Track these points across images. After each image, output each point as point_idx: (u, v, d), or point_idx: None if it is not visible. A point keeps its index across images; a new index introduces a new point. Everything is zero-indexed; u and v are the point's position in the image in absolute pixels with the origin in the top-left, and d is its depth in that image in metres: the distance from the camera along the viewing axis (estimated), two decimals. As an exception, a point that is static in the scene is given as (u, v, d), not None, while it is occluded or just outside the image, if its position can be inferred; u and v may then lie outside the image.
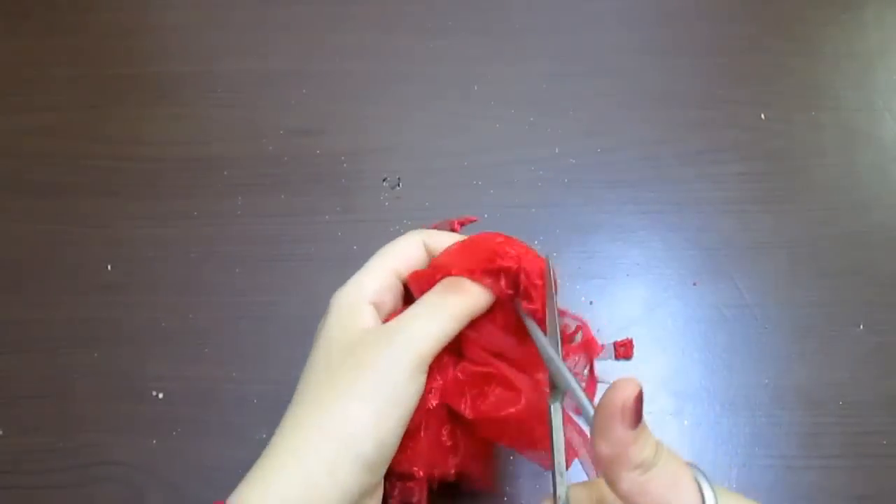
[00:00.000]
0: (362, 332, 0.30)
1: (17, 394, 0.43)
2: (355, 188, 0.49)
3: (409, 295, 0.33)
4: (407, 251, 0.33)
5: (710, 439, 0.41)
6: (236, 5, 0.57)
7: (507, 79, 0.53)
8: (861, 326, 0.44)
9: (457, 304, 0.30)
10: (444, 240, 0.33)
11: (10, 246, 0.48)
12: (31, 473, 0.41)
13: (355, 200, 0.48)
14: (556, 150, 0.50)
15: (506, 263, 0.30)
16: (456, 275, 0.30)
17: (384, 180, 0.49)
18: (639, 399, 0.21)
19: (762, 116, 0.51)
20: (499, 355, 0.32)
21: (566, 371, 0.27)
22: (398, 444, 0.29)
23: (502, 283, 0.31)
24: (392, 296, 0.32)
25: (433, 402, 0.30)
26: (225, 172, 0.50)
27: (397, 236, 0.47)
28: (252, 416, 0.42)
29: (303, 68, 0.54)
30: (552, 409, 0.27)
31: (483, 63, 0.54)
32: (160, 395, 0.42)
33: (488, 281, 0.30)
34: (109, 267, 0.47)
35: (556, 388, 0.28)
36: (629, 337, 0.43)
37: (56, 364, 0.44)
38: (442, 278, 0.31)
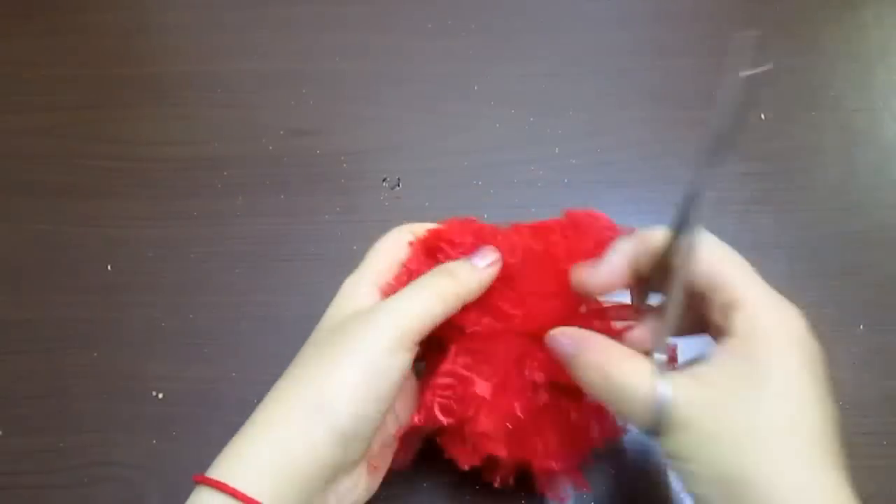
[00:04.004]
0: (355, 311, 0.30)
1: (16, 394, 0.43)
2: (355, 188, 0.49)
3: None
4: (398, 241, 0.34)
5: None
6: (236, 5, 0.57)
7: (507, 79, 0.53)
8: (861, 327, 0.44)
9: (446, 286, 0.30)
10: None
11: (9, 246, 0.48)
12: (30, 473, 0.41)
13: (355, 200, 0.48)
14: (556, 150, 0.50)
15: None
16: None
17: (384, 180, 0.49)
18: None
19: (762, 116, 0.51)
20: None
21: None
22: (378, 420, 0.28)
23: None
24: (394, 283, 0.33)
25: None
26: (225, 172, 0.50)
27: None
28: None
29: (303, 68, 0.54)
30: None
31: (483, 63, 0.54)
32: (160, 396, 0.42)
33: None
34: (109, 267, 0.47)
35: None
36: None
37: (56, 364, 0.44)
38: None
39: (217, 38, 0.56)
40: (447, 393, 0.31)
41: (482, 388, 0.30)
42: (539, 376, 0.31)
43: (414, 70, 0.54)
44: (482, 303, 0.31)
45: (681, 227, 0.26)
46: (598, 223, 0.33)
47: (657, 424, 0.24)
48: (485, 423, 0.30)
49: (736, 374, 0.24)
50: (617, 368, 0.26)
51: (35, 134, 0.52)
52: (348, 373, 0.28)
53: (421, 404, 0.31)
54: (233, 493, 0.25)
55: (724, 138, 0.26)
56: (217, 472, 0.27)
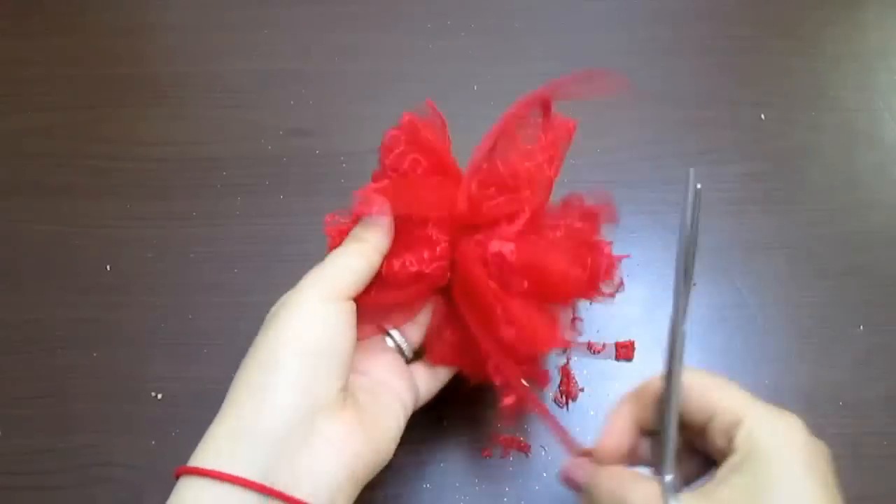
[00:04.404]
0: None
1: (16, 394, 0.43)
2: (355, 188, 0.49)
3: None
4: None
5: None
6: (236, 5, 0.57)
7: (507, 79, 0.53)
8: (861, 327, 0.44)
9: (359, 244, 0.32)
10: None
11: (10, 246, 0.48)
12: (30, 474, 0.41)
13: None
14: (556, 151, 0.50)
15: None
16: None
17: (384, 180, 0.49)
18: None
19: (762, 116, 0.51)
20: None
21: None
22: (336, 363, 0.29)
23: None
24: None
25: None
26: (225, 172, 0.50)
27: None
28: (252, 416, 0.41)
29: (303, 68, 0.54)
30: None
31: (483, 63, 0.54)
32: (159, 396, 0.42)
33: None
34: (109, 267, 0.47)
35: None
36: (631, 339, 0.43)
37: (56, 364, 0.44)
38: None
39: (217, 38, 0.56)
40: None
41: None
42: (494, 245, 0.32)
43: (414, 70, 0.54)
44: (400, 246, 0.33)
45: (670, 356, 0.27)
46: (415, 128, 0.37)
47: None
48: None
49: (743, 489, 0.24)
50: (631, 492, 0.26)
51: (35, 134, 0.52)
52: (287, 330, 0.29)
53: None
54: (207, 473, 0.26)
55: (689, 261, 0.28)
56: (193, 459, 0.28)
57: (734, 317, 0.44)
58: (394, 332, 0.35)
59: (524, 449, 0.40)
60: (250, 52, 0.55)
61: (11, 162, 0.51)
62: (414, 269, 0.32)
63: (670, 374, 0.27)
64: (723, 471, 0.25)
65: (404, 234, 0.33)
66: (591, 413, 0.42)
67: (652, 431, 0.30)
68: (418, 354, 0.36)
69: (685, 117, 0.51)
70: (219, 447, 0.28)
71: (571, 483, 0.30)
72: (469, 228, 0.34)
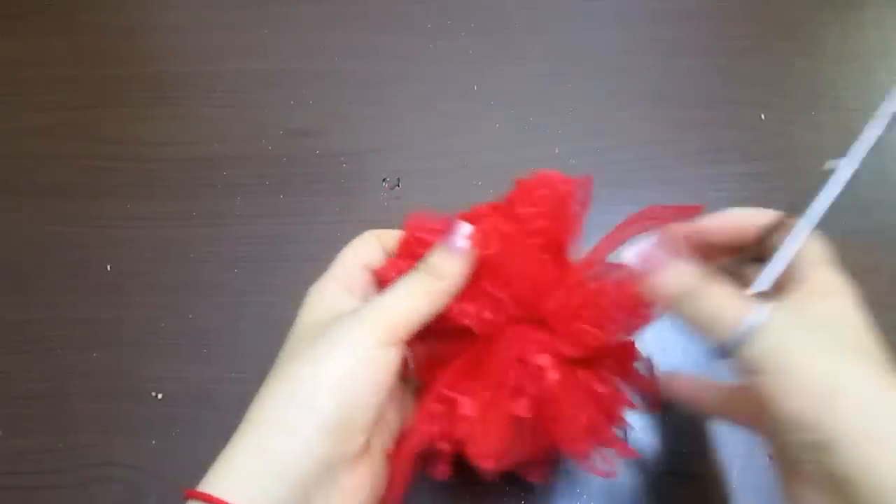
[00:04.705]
0: (330, 314, 0.30)
1: (16, 394, 0.43)
2: (355, 188, 0.49)
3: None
4: (366, 248, 0.34)
5: (711, 440, 0.41)
6: (236, 5, 0.57)
7: (507, 79, 0.53)
8: (861, 327, 0.44)
9: (428, 280, 0.30)
10: (392, 237, 0.34)
11: (10, 246, 0.48)
12: (30, 474, 0.41)
13: (355, 201, 0.48)
14: (556, 150, 0.50)
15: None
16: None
17: (384, 180, 0.49)
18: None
19: (762, 116, 0.51)
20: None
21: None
22: (369, 410, 0.28)
23: None
24: (362, 285, 0.33)
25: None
26: (225, 172, 0.50)
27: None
28: (252, 416, 0.42)
29: (303, 68, 0.54)
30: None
31: (483, 63, 0.54)
32: (159, 396, 0.42)
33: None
34: (109, 267, 0.47)
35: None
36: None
37: (56, 364, 0.44)
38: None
39: (217, 38, 0.56)
40: (435, 418, 0.30)
41: (467, 406, 0.29)
42: (544, 359, 0.30)
43: (414, 70, 0.54)
44: (469, 294, 0.30)
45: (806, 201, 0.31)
46: (554, 184, 0.33)
47: (743, 335, 0.27)
48: (478, 444, 0.29)
49: (819, 308, 0.28)
50: (712, 286, 0.29)
51: (35, 134, 0.52)
52: (330, 367, 0.27)
53: (414, 430, 0.30)
54: (218, 503, 0.25)
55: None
56: (206, 484, 0.26)
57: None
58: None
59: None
60: (250, 52, 0.55)
61: (11, 162, 0.51)
62: (466, 321, 0.30)
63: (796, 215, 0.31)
64: (800, 293, 0.29)
65: (472, 281, 0.30)
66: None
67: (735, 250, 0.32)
68: None
69: (685, 117, 0.51)
70: (235, 476, 0.26)
71: (635, 265, 0.30)
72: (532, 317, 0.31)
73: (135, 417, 0.42)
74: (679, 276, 0.29)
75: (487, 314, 0.30)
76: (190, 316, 0.45)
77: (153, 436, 0.41)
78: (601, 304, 0.31)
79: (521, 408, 0.30)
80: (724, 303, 0.28)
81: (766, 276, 0.30)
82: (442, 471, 0.32)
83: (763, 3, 0.56)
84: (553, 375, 0.30)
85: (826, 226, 0.32)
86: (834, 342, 0.27)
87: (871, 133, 0.31)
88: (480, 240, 0.30)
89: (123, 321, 0.45)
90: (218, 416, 0.42)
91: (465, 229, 0.30)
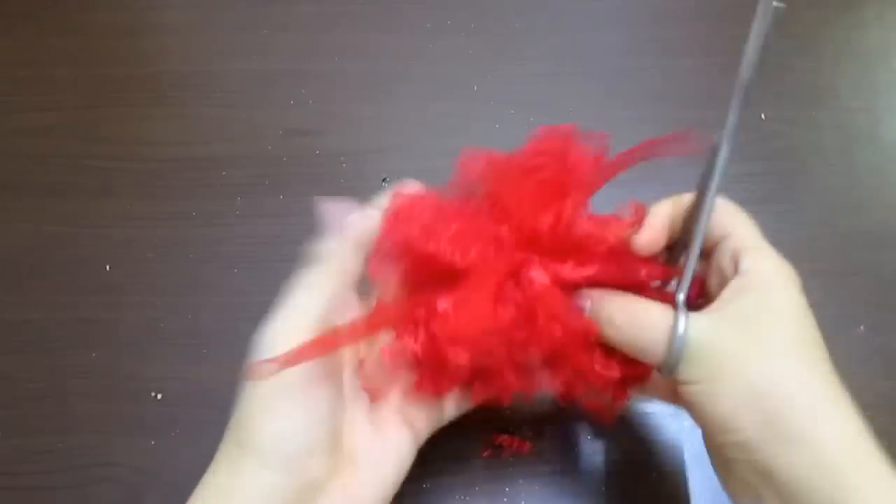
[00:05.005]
0: None
1: (16, 394, 0.43)
2: (355, 188, 0.49)
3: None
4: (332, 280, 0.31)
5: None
6: (237, 5, 0.57)
7: (507, 79, 0.53)
8: (862, 327, 0.44)
9: (321, 271, 0.31)
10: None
11: (10, 246, 0.48)
12: (30, 474, 0.41)
13: (355, 201, 0.48)
14: (556, 151, 0.50)
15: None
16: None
17: (384, 180, 0.49)
18: None
19: (762, 116, 0.51)
20: None
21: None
22: (309, 432, 0.28)
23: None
24: (339, 311, 0.31)
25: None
26: (224, 172, 0.50)
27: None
28: (252, 416, 0.41)
29: (303, 68, 0.54)
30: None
31: (483, 63, 0.54)
32: (159, 396, 0.42)
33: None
34: (109, 267, 0.47)
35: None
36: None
37: (55, 364, 0.44)
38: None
39: (217, 38, 0.56)
40: (415, 325, 0.30)
41: (445, 302, 0.29)
42: (539, 274, 0.30)
43: (414, 70, 0.54)
44: (467, 236, 0.30)
45: (705, 180, 0.29)
46: (559, 132, 0.34)
47: (675, 352, 0.27)
48: (451, 325, 0.29)
49: (749, 310, 0.27)
50: (636, 304, 0.29)
51: (35, 134, 0.52)
52: (252, 400, 0.28)
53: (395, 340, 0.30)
54: None
55: (748, 84, 0.29)
56: None
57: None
58: None
59: (524, 449, 0.40)
60: (250, 52, 0.55)
61: (12, 162, 0.51)
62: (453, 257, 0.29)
63: (702, 194, 0.29)
64: (728, 292, 0.28)
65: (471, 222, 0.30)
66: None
67: (669, 246, 0.31)
68: None
69: (685, 117, 0.51)
70: None
71: (579, 304, 0.30)
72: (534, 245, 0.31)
73: (135, 417, 0.42)
74: (614, 300, 0.29)
75: (489, 252, 0.30)
76: (190, 316, 0.45)
77: (153, 436, 0.41)
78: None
79: (505, 312, 0.29)
80: (656, 314, 0.28)
81: (686, 277, 0.29)
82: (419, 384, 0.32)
83: (763, 3, 0.56)
84: (542, 280, 0.30)
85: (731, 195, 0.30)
86: (765, 340, 0.26)
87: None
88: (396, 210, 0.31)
89: (123, 321, 0.45)
90: (218, 416, 0.41)
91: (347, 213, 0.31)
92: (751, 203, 0.48)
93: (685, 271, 0.29)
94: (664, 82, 0.52)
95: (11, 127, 0.52)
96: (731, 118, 0.28)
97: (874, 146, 0.50)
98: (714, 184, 0.29)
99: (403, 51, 0.54)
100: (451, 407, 0.34)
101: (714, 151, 0.29)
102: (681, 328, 0.27)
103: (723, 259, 0.30)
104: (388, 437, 0.31)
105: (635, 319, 0.29)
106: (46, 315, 0.45)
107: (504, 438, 0.40)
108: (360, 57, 0.54)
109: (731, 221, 0.30)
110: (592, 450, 0.41)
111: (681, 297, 0.29)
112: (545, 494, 0.39)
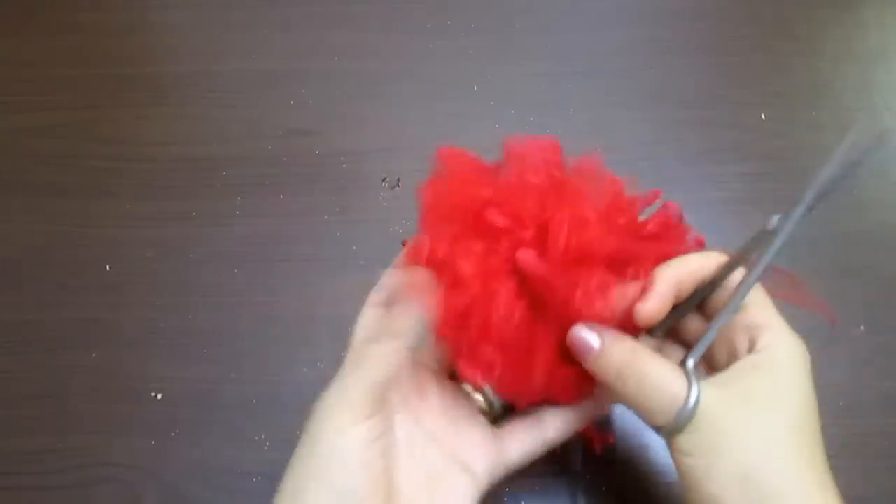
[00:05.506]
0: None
1: (16, 394, 0.43)
2: (355, 188, 0.49)
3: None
4: (386, 360, 0.29)
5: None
6: (236, 5, 0.57)
7: (507, 79, 0.53)
8: (861, 327, 0.44)
9: (392, 344, 0.29)
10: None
11: (10, 246, 0.48)
12: (30, 474, 0.41)
13: (355, 200, 0.48)
14: (556, 151, 0.50)
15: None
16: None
17: (384, 180, 0.49)
18: None
19: (762, 116, 0.51)
20: None
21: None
22: (373, 484, 0.27)
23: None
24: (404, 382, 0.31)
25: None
26: (224, 172, 0.50)
27: (396, 237, 0.47)
28: (252, 416, 0.42)
29: (303, 68, 0.54)
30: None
31: (483, 63, 0.54)
32: (159, 396, 0.42)
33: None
34: (109, 267, 0.47)
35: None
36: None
37: (55, 364, 0.44)
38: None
39: (217, 38, 0.56)
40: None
41: (466, 266, 0.28)
42: (525, 253, 0.29)
43: (414, 70, 0.54)
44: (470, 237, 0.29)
45: (745, 257, 0.29)
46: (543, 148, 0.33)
47: (680, 422, 0.26)
48: (479, 316, 0.28)
49: (758, 385, 0.27)
50: (648, 366, 0.28)
51: (35, 134, 0.52)
52: (313, 458, 0.27)
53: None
54: None
55: (825, 189, 0.29)
56: None
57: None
58: (486, 388, 0.32)
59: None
60: (250, 52, 0.55)
61: (11, 162, 0.51)
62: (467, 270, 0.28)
63: (743, 282, 0.29)
64: (742, 365, 0.28)
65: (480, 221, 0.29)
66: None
67: (675, 305, 0.30)
68: (507, 410, 0.33)
69: (685, 117, 0.51)
70: None
71: (580, 344, 0.29)
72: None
73: (135, 417, 0.42)
74: (616, 351, 0.28)
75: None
76: (190, 316, 0.45)
77: (153, 436, 0.41)
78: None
79: (525, 258, 0.28)
80: (662, 378, 0.27)
81: (702, 347, 0.28)
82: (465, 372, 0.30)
83: (763, 3, 0.56)
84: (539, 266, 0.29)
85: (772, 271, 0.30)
86: (766, 426, 0.26)
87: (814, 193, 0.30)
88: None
89: (123, 321, 0.45)
90: (217, 416, 0.42)
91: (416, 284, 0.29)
92: (751, 203, 0.48)
93: (702, 341, 0.28)
94: (664, 82, 0.52)
95: (11, 127, 0.52)
96: (798, 212, 0.29)
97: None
98: (757, 274, 0.29)
99: (403, 51, 0.54)
100: (517, 443, 0.32)
101: (765, 238, 0.29)
102: (692, 400, 0.26)
103: (736, 332, 0.29)
104: (445, 487, 0.30)
105: (646, 381, 0.27)
106: (46, 315, 0.45)
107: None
108: (360, 57, 0.54)
109: (749, 295, 0.29)
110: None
111: (691, 363, 0.28)
112: (545, 494, 0.39)
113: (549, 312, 0.29)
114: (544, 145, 0.34)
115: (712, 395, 0.26)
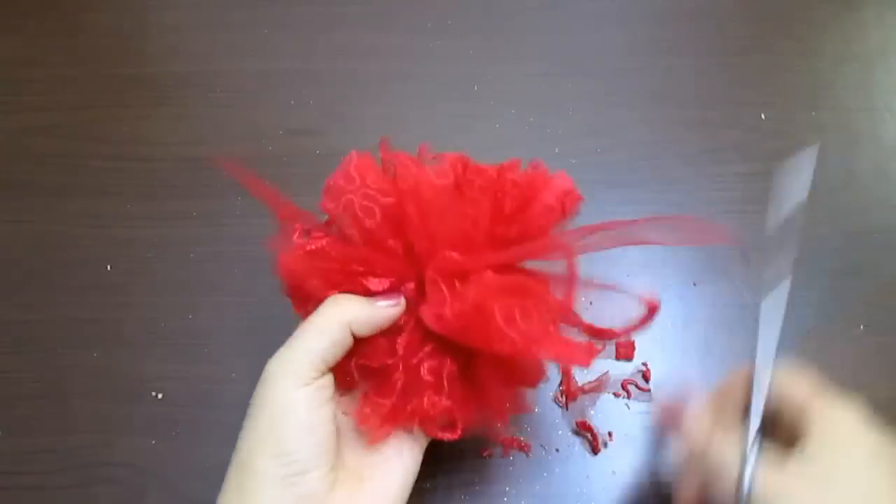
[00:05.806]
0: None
1: (16, 394, 0.43)
2: (355, 188, 0.49)
3: None
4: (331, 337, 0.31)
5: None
6: (236, 5, 0.57)
7: (507, 79, 0.53)
8: (861, 327, 0.44)
9: (333, 315, 0.31)
10: (365, 315, 0.32)
11: (10, 246, 0.48)
12: (30, 474, 0.41)
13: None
14: (556, 150, 0.50)
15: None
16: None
17: (384, 180, 0.49)
18: None
19: (762, 116, 0.51)
20: None
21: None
22: (321, 447, 0.29)
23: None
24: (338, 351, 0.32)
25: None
26: (224, 172, 0.50)
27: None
28: (252, 416, 0.41)
29: (303, 68, 0.54)
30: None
31: (483, 63, 0.54)
32: (160, 396, 0.42)
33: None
34: (109, 267, 0.47)
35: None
36: (630, 338, 0.43)
37: (56, 364, 0.44)
38: None
39: (217, 38, 0.56)
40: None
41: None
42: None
43: (414, 70, 0.54)
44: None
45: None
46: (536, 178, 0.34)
47: (743, 499, 0.29)
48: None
49: (812, 471, 0.29)
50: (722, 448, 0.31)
51: (35, 134, 0.52)
52: (261, 423, 0.29)
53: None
54: None
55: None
56: None
57: (734, 317, 0.44)
58: None
59: (524, 449, 0.40)
60: (250, 52, 0.55)
61: (11, 162, 0.51)
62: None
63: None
64: (798, 452, 0.29)
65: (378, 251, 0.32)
66: (592, 413, 0.42)
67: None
68: None
69: (685, 117, 0.51)
70: None
71: (670, 421, 0.33)
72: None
73: (135, 417, 0.42)
74: (696, 430, 0.32)
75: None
76: (190, 316, 0.45)
77: (153, 436, 0.41)
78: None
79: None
80: (727, 460, 0.30)
81: (752, 437, 0.31)
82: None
83: (763, 3, 0.56)
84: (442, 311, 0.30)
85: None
86: None
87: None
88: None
89: (123, 321, 0.45)
90: (218, 416, 0.42)
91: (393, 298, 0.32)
92: (750, 203, 0.48)
93: (753, 428, 0.31)
94: (664, 82, 0.53)
95: (12, 127, 0.52)
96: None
97: (874, 146, 0.50)
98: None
99: (403, 51, 0.54)
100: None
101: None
102: (753, 477, 0.29)
103: (784, 419, 0.32)
104: (388, 449, 0.32)
105: (716, 458, 0.31)
106: (46, 315, 0.45)
107: (505, 438, 0.40)
108: (360, 57, 0.54)
109: (790, 382, 0.33)
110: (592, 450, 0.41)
111: (751, 447, 0.30)
112: (545, 494, 0.40)
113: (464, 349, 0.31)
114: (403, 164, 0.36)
115: (774, 479, 0.29)
